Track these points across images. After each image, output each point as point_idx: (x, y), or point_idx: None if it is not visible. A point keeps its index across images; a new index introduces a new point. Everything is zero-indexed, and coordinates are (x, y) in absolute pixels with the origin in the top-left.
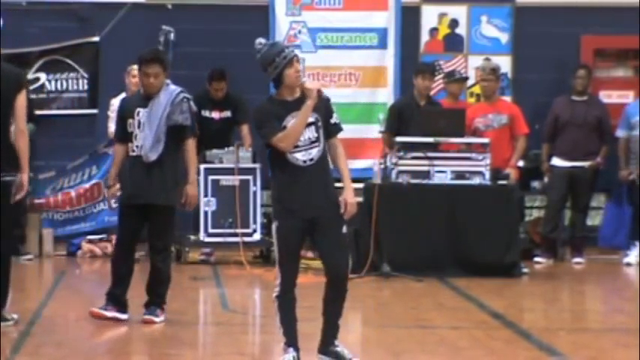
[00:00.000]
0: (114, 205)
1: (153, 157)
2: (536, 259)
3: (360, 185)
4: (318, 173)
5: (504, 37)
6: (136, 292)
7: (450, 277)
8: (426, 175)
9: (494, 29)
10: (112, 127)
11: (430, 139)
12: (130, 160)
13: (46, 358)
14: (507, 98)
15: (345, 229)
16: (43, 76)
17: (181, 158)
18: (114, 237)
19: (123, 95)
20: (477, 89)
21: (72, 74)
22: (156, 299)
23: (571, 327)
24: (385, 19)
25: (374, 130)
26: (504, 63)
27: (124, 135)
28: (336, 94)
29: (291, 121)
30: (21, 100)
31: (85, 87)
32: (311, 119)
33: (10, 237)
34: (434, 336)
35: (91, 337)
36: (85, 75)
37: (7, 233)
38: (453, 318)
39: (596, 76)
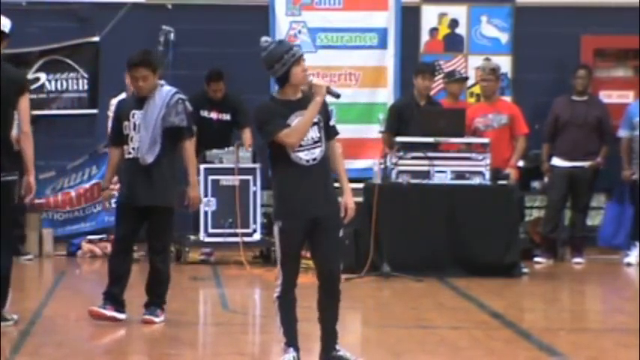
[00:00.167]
0: (110, 208)
1: (150, 159)
2: (536, 259)
3: (360, 185)
4: (321, 173)
5: (504, 37)
6: (136, 293)
7: (450, 277)
8: (426, 175)
9: (494, 29)
10: None
11: (430, 139)
12: (126, 162)
13: (46, 358)
14: (507, 98)
15: (341, 233)
16: (43, 76)
17: (178, 159)
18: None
19: (123, 95)
20: (477, 89)
21: (72, 74)
22: (156, 299)
23: (571, 327)
24: (385, 19)
25: (374, 130)
26: (504, 63)
27: (119, 138)
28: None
29: (295, 120)
30: (24, 104)
31: (85, 87)
32: (314, 119)
33: (10, 237)
34: (434, 336)
35: (91, 337)
36: (85, 75)
37: (7, 233)
38: (453, 318)
39: (596, 76)
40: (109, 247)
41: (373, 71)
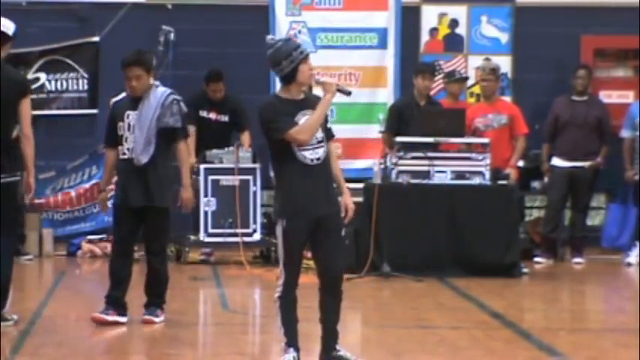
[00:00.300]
0: (107, 210)
1: (144, 159)
2: (536, 259)
3: (360, 185)
4: (324, 173)
5: (504, 37)
6: (136, 293)
7: (450, 277)
8: (426, 175)
9: (494, 29)
10: None
11: (430, 139)
12: (121, 163)
13: (46, 358)
14: (507, 98)
15: (343, 232)
16: (43, 76)
17: (173, 160)
18: None
19: (123, 95)
20: (477, 89)
21: (72, 74)
22: (155, 300)
23: (571, 327)
24: (385, 19)
25: (374, 130)
26: (504, 63)
27: (114, 139)
28: (336, 94)
29: (302, 119)
30: (25, 106)
31: (85, 87)
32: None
33: (10, 237)
34: (434, 336)
35: (91, 337)
36: (85, 75)
37: (8, 233)
38: (453, 318)
39: (596, 76)
40: (108, 247)
41: (373, 71)
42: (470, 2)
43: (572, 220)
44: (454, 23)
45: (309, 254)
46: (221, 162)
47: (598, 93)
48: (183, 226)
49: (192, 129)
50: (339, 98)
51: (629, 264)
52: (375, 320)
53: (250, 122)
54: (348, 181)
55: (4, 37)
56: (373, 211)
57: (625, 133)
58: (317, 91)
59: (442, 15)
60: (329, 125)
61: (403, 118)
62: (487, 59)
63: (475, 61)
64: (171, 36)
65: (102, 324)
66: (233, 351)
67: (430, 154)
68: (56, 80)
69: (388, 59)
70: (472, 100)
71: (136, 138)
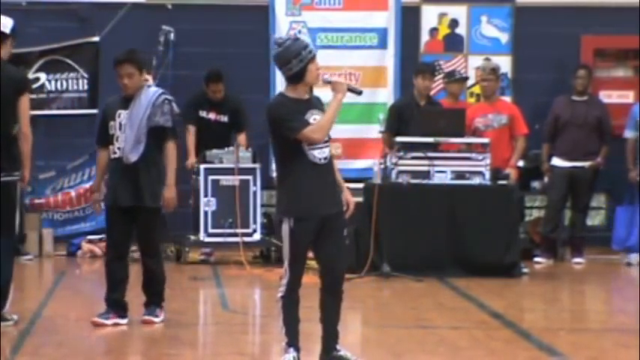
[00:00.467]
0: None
1: (133, 158)
2: (536, 259)
3: (360, 185)
4: (330, 172)
5: (504, 37)
6: (135, 293)
7: (450, 277)
8: (426, 175)
9: (494, 29)
10: None
11: (430, 139)
12: (112, 162)
13: (46, 358)
14: (507, 98)
15: (345, 232)
16: (43, 76)
17: (164, 160)
18: None
19: None
20: (477, 89)
21: (72, 74)
22: (155, 299)
23: (571, 327)
24: (385, 19)
25: (374, 130)
26: (504, 63)
27: (106, 139)
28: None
29: (311, 118)
30: (24, 103)
31: (85, 87)
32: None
33: (10, 237)
34: (434, 336)
35: (91, 337)
36: (85, 75)
37: (7, 233)
38: (453, 318)
39: (596, 76)
40: None
41: (373, 71)
42: (470, 2)
43: (572, 220)
44: (454, 23)
45: (310, 254)
46: (221, 162)
47: (598, 93)
48: (183, 226)
49: (192, 129)
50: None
51: (629, 264)
52: (375, 320)
53: (249, 123)
54: (348, 181)
55: (2, 35)
56: (373, 211)
57: (628, 134)
58: (323, 90)
59: (442, 15)
60: None
61: (403, 118)
62: (487, 59)
63: (475, 61)
64: (171, 36)
65: (103, 327)
66: (233, 351)
67: (430, 154)
68: (56, 80)
69: (388, 59)
70: (472, 100)
71: (127, 137)
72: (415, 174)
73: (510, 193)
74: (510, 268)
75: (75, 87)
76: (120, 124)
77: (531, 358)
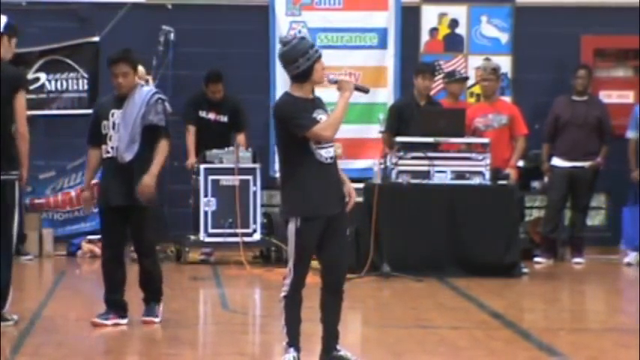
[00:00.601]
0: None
1: (128, 157)
2: (536, 259)
3: (360, 185)
4: (335, 171)
5: (504, 37)
6: (134, 292)
7: (450, 277)
8: (426, 175)
9: (494, 29)
10: None
11: (430, 139)
12: (105, 162)
13: (46, 358)
14: (507, 98)
15: (348, 232)
16: (43, 76)
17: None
18: None
19: None
20: (477, 89)
21: (72, 74)
22: (153, 296)
23: (571, 327)
24: (385, 19)
25: (374, 130)
26: (504, 63)
27: (98, 138)
28: (336, 94)
29: (318, 117)
30: (20, 102)
31: (85, 87)
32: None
33: (8, 237)
34: (434, 336)
35: (91, 337)
36: (85, 75)
37: (6, 233)
38: (453, 318)
39: (596, 76)
40: None
41: (373, 71)
42: (470, 2)
43: (572, 220)
44: (454, 23)
45: None
46: (221, 162)
47: (598, 93)
48: (183, 226)
49: (192, 129)
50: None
51: (629, 264)
52: (375, 320)
53: (248, 123)
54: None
55: None
56: (373, 211)
57: (630, 134)
58: (327, 91)
59: (442, 15)
60: None
61: (403, 118)
62: (487, 59)
63: (475, 61)
64: (171, 36)
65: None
66: (233, 351)
67: (430, 154)
68: (56, 80)
69: (388, 59)
70: (472, 100)
71: (121, 136)
72: (415, 174)
73: (510, 193)
74: (510, 268)
75: (75, 87)
76: (113, 124)
77: (531, 358)
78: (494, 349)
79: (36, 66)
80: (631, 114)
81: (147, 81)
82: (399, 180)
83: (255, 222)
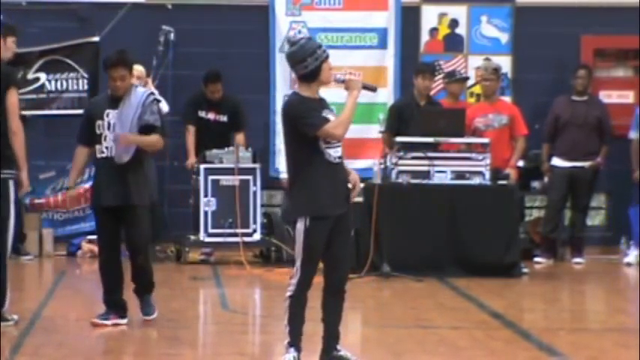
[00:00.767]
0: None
1: (125, 158)
2: (536, 259)
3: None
4: (342, 172)
5: (504, 37)
6: (132, 292)
7: (450, 277)
8: (426, 175)
9: (494, 29)
10: None
11: (430, 139)
12: (99, 162)
13: (46, 358)
14: (507, 98)
15: (352, 233)
16: (43, 76)
17: (150, 158)
18: None
19: None
20: (477, 89)
21: (72, 74)
22: (145, 288)
23: (571, 327)
24: (385, 19)
25: (374, 130)
26: (504, 63)
27: (89, 137)
28: (337, 94)
29: (328, 116)
30: (12, 98)
31: (85, 87)
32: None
33: (2, 235)
34: (434, 336)
35: (91, 337)
36: (85, 75)
37: (3, 231)
38: (453, 318)
39: (596, 76)
40: None
41: (373, 71)
42: (470, 2)
43: (572, 220)
44: (454, 23)
45: None
46: (221, 162)
47: (598, 93)
48: (183, 226)
49: (192, 129)
50: (338, 98)
51: (629, 264)
52: (375, 320)
53: (248, 122)
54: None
55: None
56: (373, 211)
57: (633, 135)
58: (334, 90)
59: (442, 15)
60: None
61: (403, 118)
62: (487, 59)
63: (475, 61)
64: (171, 36)
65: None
66: (233, 351)
67: (430, 154)
68: (56, 80)
69: (388, 59)
70: (472, 100)
71: (117, 136)
72: (415, 174)
73: (510, 193)
74: (510, 268)
75: (75, 87)
76: (109, 124)
77: (531, 358)
78: (494, 349)
79: (36, 66)
80: (633, 114)
81: (145, 83)
82: (399, 180)
83: (255, 222)
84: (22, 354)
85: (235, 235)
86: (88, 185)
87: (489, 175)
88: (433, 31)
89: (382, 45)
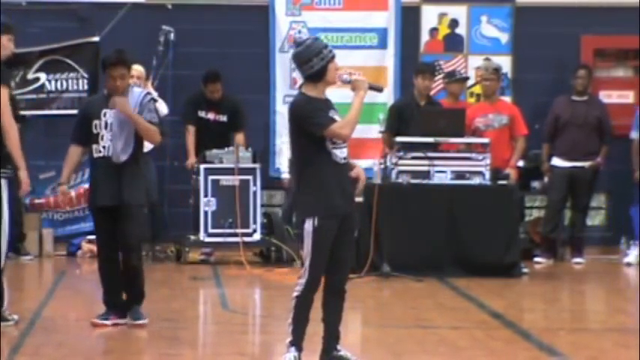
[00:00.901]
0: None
1: (124, 158)
2: (536, 259)
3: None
4: (348, 171)
5: (504, 37)
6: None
7: (450, 277)
8: (426, 175)
9: (494, 29)
10: None
11: (430, 139)
12: (96, 161)
13: (46, 358)
14: (507, 98)
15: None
16: (43, 76)
17: (146, 157)
18: None
19: None
20: (477, 89)
21: (72, 74)
22: (136, 298)
23: (571, 327)
24: (385, 19)
25: (374, 130)
26: (504, 63)
27: (85, 136)
28: (336, 94)
29: (334, 116)
30: (3, 97)
31: (85, 87)
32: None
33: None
34: (434, 336)
35: (91, 337)
36: (85, 75)
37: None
38: (453, 318)
39: (596, 76)
40: None
41: (373, 71)
42: (470, 2)
43: (572, 220)
44: (454, 23)
45: None
46: (221, 162)
47: (598, 93)
48: (183, 226)
49: (191, 129)
50: (344, 98)
51: (629, 264)
52: (375, 320)
53: (248, 122)
54: None
55: None
56: (373, 211)
57: (634, 135)
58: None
59: (442, 15)
60: None
61: (403, 118)
62: (487, 59)
63: (475, 61)
64: (171, 36)
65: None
66: (233, 351)
67: (430, 154)
68: (56, 80)
69: (388, 59)
70: (472, 100)
71: (115, 136)
72: (415, 174)
73: (510, 193)
74: (510, 268)
75: (75, 87)
76: (106, 123)
77: (531, 358)
78: (494, 349)
79: (36, 66)
80: (634, 115)
81: (145, 85)
82: (399, 180)
83: (255, 222)
84: (22, 354)
85: (235, 235)
86: (87, 185)
87: (489, 175)
88: (433, 31)
89: (382, 45)
